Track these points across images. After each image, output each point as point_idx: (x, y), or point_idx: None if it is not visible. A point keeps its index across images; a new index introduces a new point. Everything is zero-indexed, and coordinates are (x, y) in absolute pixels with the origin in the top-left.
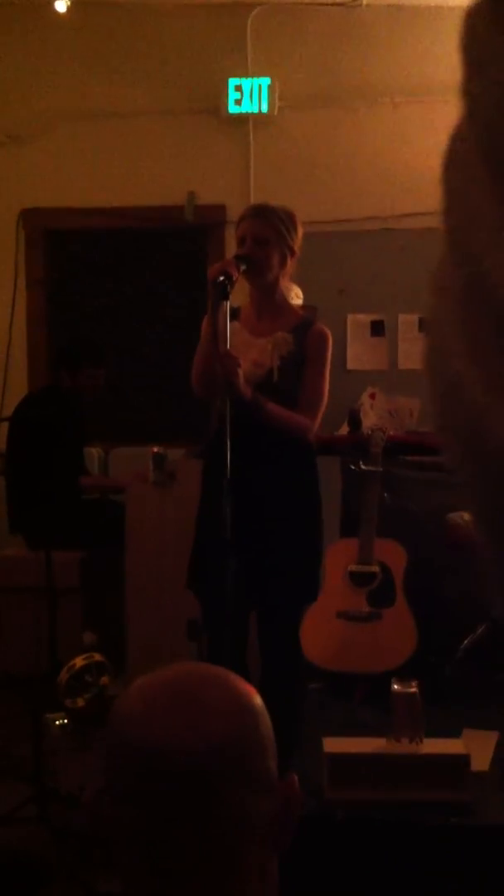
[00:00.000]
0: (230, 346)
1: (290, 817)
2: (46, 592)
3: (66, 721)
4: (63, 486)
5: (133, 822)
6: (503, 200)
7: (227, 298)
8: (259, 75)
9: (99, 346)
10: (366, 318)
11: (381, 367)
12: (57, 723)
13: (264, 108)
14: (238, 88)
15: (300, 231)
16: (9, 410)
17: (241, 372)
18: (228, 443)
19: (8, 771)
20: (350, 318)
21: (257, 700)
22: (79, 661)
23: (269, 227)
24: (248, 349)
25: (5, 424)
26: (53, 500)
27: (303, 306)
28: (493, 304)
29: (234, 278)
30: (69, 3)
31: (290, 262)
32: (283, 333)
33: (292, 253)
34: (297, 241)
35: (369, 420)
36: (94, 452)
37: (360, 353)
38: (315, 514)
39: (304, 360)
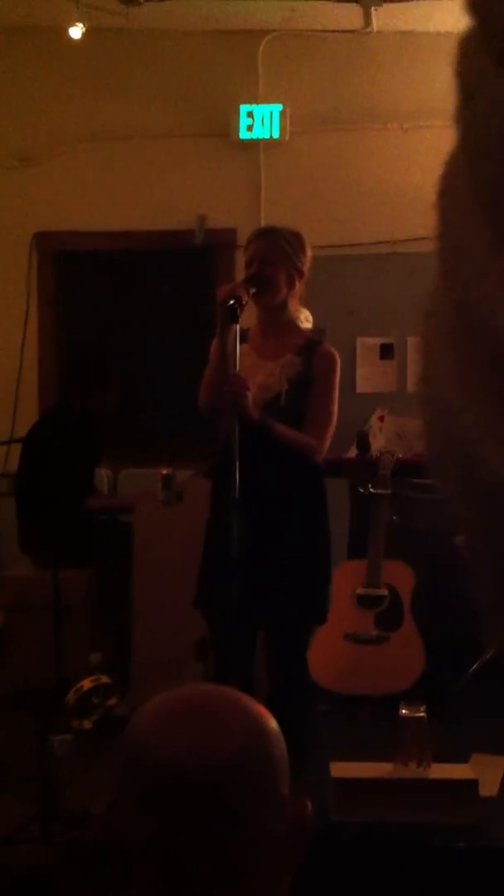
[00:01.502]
0: (238, 369)
1: (301, 841)
2: (53, 611)
3: (73, 742)
4: (71, 506)
5: (146, 838)
6: (490, 225)
7: (236, 321)
8: (270, 101)
9: (110, 371)
10: (375, 341)
11: (390, 389)
12: (63, 744)
13: (275, 134)
14: (250, 115)
15: (308, 252)
16: (19, 426)
17: (249, 394)
18: (237, 463)
19: (14, 789)
20: (359, 340)
21: (272, 723)
22: (86, 683)
23: (275, 249)
24: (255, 372)
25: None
26: (61, 518)
27: (312, 329)
28: (483, 334)
29: (244, 301)
30: (83, 29)
31: (298, 284)
32: (291, 356)
33: (300, 274)
34: (305, 263)
35: (378, 442)
36: (102, 474)
37: (370, 376)
38: (323, 534)
39: (312, 381)
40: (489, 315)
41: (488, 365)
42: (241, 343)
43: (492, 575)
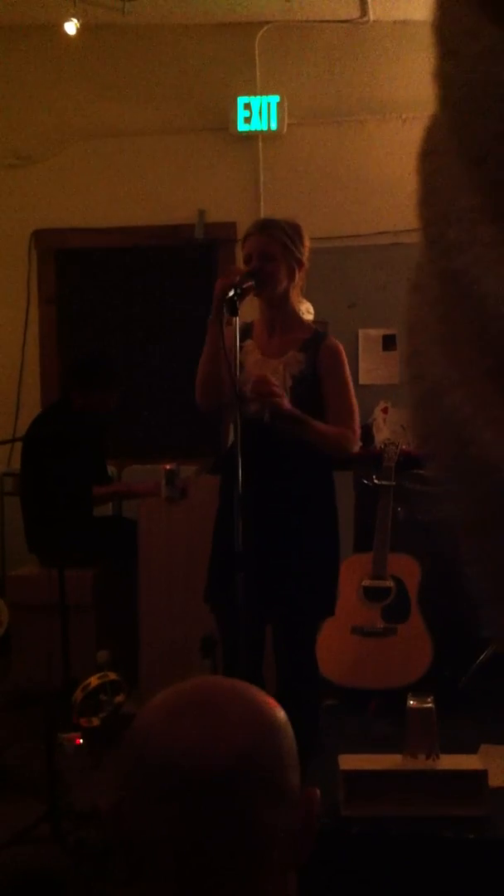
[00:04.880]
0: (243, 366)
1: (309, 832)
2: (60, 609)
3: (81, 741)
4: (75, 503)
5: (156, 832)
6: (478, 187)
7: (236, 314)
8: (268, 93)
9: (113, 369)
10: (377, 333)
11: (394, 381)
12: (71, 742)
13: (273, 126)
14: (247, 107)
15: (307, 242)
16: (21, 425)
17: (281, 392)
18: (240, 457)
19: (22, 788)
20: (361, 332)
21: (280, 714)
22: (94, 681)
23: (274, 242)
24: (260, 370)
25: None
26: (65, 517)
27: (314, 321)
28: (470, 305)
29: (243, 287)
30: (78, 25)
31: (299, 275)
32: (295, 353)
33: (300, 265)
34: (305, 253)
35: (382, 434)
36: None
37: (372, 368)
38: (332, 527)
39: (318, 377)
40: (475, 284)
41: (476, 338)
42: (245, 339)
43: (485, 562)
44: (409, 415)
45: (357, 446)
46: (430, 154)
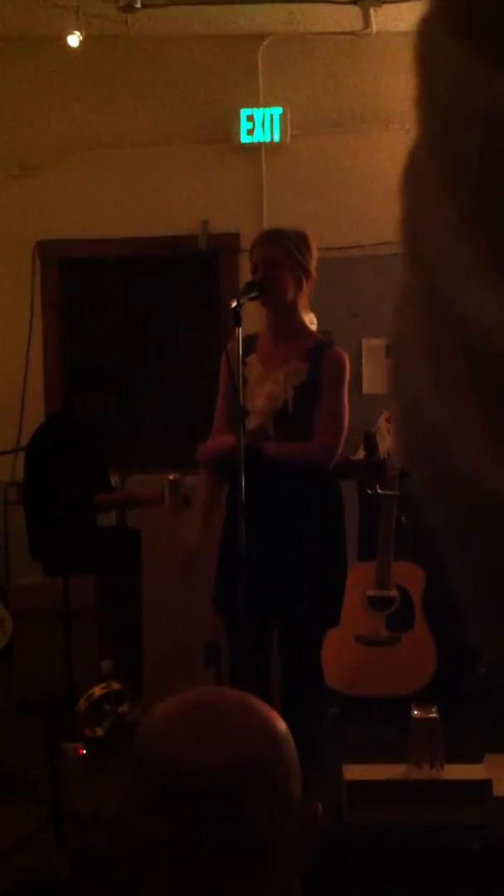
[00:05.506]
0: (247, 381)
1: (311, 841)
2: (63, 617)
3: (84, 751)
4: (78, 511)
5: (156, 839)
6: (455, 209)
7: (239, 324)
8: (271, 105)
9: (109, 371)
10: (380, 342)
11: None
12: (75, 751)
13: (276, 137)
14: (250, 118)
15: (314, 251)
16: (25, 435)
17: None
18: (242, 466)
19: (25, 795)
20: (365, 342)
21: (281, 725)
22: (97, 690)
23: (279, 250)
24: (262, 383)
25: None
26: (68, 525)
27: (318, 332)
28: (449, 323)
29: (244, 299)
30: (81, 37)
31: (306, 284)
32: (296, 362)
33: (307, 274)
34: (312, 262)
35: (386, 443)
36: (112, 479)
37: (376, 377)
38: (338, 535)
39: (321, 386)
40: (454, 303)
41: (457, 356)
42: (249, 353)
43: (466, 576)
44: (394, 428)
45: (329, 461)
46: (412, 173)
